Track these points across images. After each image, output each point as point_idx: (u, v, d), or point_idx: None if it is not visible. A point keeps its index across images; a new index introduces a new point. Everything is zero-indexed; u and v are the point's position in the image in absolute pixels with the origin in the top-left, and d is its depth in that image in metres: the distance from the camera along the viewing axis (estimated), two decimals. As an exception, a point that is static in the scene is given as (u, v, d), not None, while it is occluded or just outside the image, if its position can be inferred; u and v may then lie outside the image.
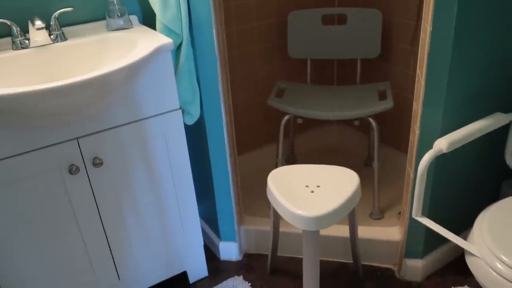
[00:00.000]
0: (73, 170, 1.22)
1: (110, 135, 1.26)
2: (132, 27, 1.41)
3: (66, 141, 1.20)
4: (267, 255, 1.69)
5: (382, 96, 1.83)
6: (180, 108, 1.37)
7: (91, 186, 1.28)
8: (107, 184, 1.30)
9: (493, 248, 1.12)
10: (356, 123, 1.80)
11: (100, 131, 1.24)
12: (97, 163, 1.25)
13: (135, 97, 1.26)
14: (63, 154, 1.20)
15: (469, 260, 1.19)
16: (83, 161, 1.24)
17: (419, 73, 1.31)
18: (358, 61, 2.01)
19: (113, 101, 1.20)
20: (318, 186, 1.34)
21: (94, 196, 1.30)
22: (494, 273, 1.10)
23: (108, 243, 1.38)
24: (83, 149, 1.23)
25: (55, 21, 1.29)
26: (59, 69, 1.29)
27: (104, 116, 1.23)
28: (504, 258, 1.09)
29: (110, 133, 1.26)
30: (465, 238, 1.24)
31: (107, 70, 1.08)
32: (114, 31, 1.37)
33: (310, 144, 2.36)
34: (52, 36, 1.29)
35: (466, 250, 1.20)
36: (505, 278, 1.07)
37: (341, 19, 2.02)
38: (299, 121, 1.86)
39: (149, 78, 1.27)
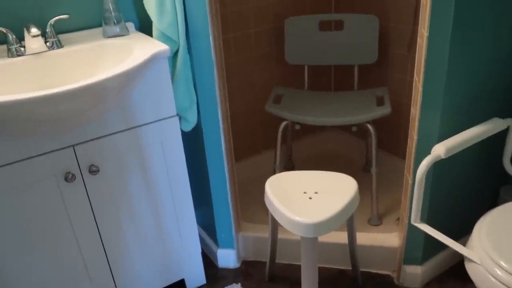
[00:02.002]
0: (69, 177, 1.21)
1: (106, 142, 1.25)
2: (128, 34, 1.41)
3: (62, 148, 1.19)
4: (265, 262, 1.68)
5: (380, 102, 1.83)
6: (177, 114, 1.36)
7: (87, 193, 1.27)
8: (104, 192, 1.30)
9: (493, 254, 1.11)
10: (354, 129, 1.80)
11: (96, 138, 1.24)
12: (93, 170, 1.24)
13: (131, 104, 1.25)
14: (59, 162, 1.20)
15: (468, 267, 1.18)
16: (79, 168, 1.24)
17: (416, 79, 1.31)
18: (355, 67, 2.01)
19: (109, 108, 1.19)
20: (316, 193, 1.33)
21: (90, 203, 1.29)
22: (494, 279, 1.09)
23: (104, 251, 1.36)
24: (79, 157, 1.22)
25: (51, 29, 1.28)
26: (55, 76, 1.28)
27: (100, 123, 1.23)
28: (503, 264, 1.08)
29: (107, 140, 1.25)
30: (464, 244, 1.23)
31: (103, 76, 1.08)
32: (111, 38, 1.37)
33: (308, 150, 2.36)
34: (48, 44, 1.29)
35: (465, 257, 1.19)
36: (504, 285, 1.07)
37: (338, 25, 2.02)
38: (297, 127, 1.86)
39: (146, 84, 1.26)
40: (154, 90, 1.28)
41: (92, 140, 1.23)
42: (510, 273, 1.06)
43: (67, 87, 1.03)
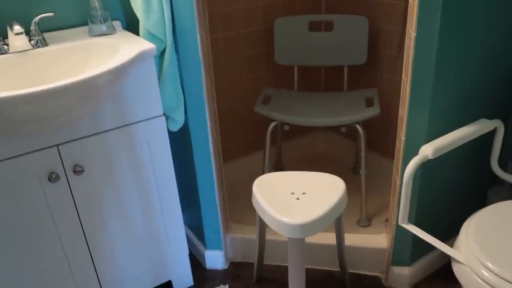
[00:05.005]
0: (53, 177, 1.19)
1: (91, 142, 1.23)
2: (115, 33, 1.39)
3: (46, 148, 1.17)
4: (253, 264, 1.67)
5: (369, 103, 1.82)
6: (164, 114, 1.35)
7: (72, 194, 1.25)
8: (89, 192, 1.28)
9: (479, 255, 1.11)
10: (343, 129, 1.79)
11: (81, 138, 1.22)
12: (78, 170, 1.22)
13: (117, 103, 1.24)
14: (43, 162, 1.18)
15: (455, 267, 1.18)
16: (64, 168, 1.22)
17: (405, 79, 1.31)
18: (345, 68, 2.00)
19: (94, 107, 1.18)
20: (303, 193, 1.32)
21: (75, 204, 1.27)
22: (480, 280, 1.08)
23: (90, 252, 1.34)
24: (63, 156, 1.21)
25: (35, 26, 1.26)
26: (39, 75, 1.26)
27: (85, 122, 1.21)
28: (490, 265, 1.07)
29: (91, 140, 1.23)
30: (452, 245, 1.23)
31: (88, 75, 1.06)
32: (97, 37, 1.35)
33: (297, 151, 2.35)
34: (32, 42, 1.27)
35: (452, 258, 1.19)
36: (491, 286, 1.06)
37: (328, 26, 2.02)
38: (286, 128, 1.85)
39: (132, 84, 1.25)
40: (140, 89, 1.26)
41: (76, 139, 1.21)
42: (496, 275, 1.06)
43: (52, 85, 1.01)
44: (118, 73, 1.13)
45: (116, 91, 1.22)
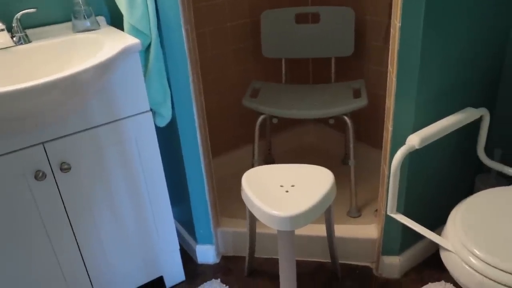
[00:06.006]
0: (39, 176, 1.18)
1: (77, 139, 1.22)
2: (99, 29, 1.38)
3: (31, 146, 1.16)
4: (244, 257, 1.67)
5: (357, 94, 1.83)
6: (151, 109, 1.34)
7: (59, 192, 1.24)
8: (76, 190, 1.27)
9: (466, 242, 1.12)
10: (331, 121, 1.80)
11: (67, 135, 1.21)
12: (64, 168, 1.21)
13: (102, 100, 1.23)
14: (28, 160, 1.17)
15: (443, 255, 1.19)
16: (50, 166, 1.21)
17: (391, 70, 1.31)
18: (332, 60, 2.00)
19: (79, 104, 1.17)
20: (292, 186, 1.33)
21: (63, 202, 1.26)
22: (467, 267, 1.10)
23: (79, 250, 1.34)
24: (50, 154, 1.19)
25: (17, 23, 1.25)
26: (22, 72, 1.25)
27: (71, 119, 1.20)
28: (477, 252, 1.09)
29: (77, 137, 1.22)
30: (441, 234, 1.24)
31: (72, 71, 1.05)
32: (81, 33, 1.34)
33: (287, 144, 2.35)
34: (14, 39, 1.25)
35: (440, 245, 1.20)
36: (478, 273, 1.07)
37: (315, 18, 2.01)
38: (274, 121, 1.85)
39: (117, 79, 1.24)
40: (126, 85, 1.25)
41: (62, 137, 1.20)
42: (484, 261, 1.07)
43: (35, 82, 1.00)
44: (103, 69, 1.12)
45: (101, 87, 1.20)
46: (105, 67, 1.12)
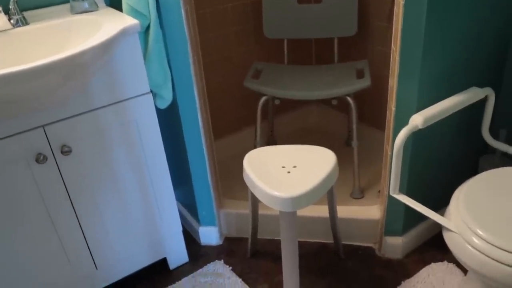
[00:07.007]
0: (40, 159, 1.18)
1: (77, 122, 1.22)
2: (98, 10, 1.36)
3: (31, 129, 1.16)
4: (247, 239, 1.68)
5: (360, 75, 1.81)
6: (152, 91, 1.33)
7: (61, 174, 1.24)
8: (78, 172, 1.27)
9: (469, 223, 1.11)
10: (334, 102, 1.78)
11: (67, 118, 1.20)
12: (65, 151, 1.21)
13: (102, 82, 1.22)
14: (29, 143, 1.16)
15: (446, 236, 1.19)
16: (51, 149, 1.20)
17: (394, 49, 1.29)
18: (335, 40, 1.98)
19: (78, 86, 1.16)
20: (294, 167, 1.32)
21: (65, 184, 1.26)
22: (470, 248, 1.09)
23: (82, 232, 1.34)
24: (50, 137, 1.19)
25: (14, 5, 1.23)
26: (20, 55, 1.24)
27: (71, 102, 1.19)
28: (480, 232, 1.08)
29: (77, 119, 1.22)
30: (443, 215, 1.23)
31: (70, 52, 1.04)
32: (79, 14, 1.32)
33: (290, 126, 2.34)
34: (12, 21, 1.24)
35: (443, 226, 1.19)
36: (481, 252, 1.07)
37: (317, -3, 1.98)
38: (277, 102, 1.83)
39: (117, 61, 1.22)
40: (126, 66, 1.24)
41: (62, 120, 1.20)
42: (486, 241, 1.07)
43: (34, 64, 0.99)
44: (101, 50, 1.11)
45: (101, 69, 1.19)
46: (103, 48, 1.11)
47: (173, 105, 1.46)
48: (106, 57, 1.16)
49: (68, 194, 1.28)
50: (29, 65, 0.99)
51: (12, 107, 1.08)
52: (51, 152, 1.21)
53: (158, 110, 1.53)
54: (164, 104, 1.43)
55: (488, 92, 1.36)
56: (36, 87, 1.04)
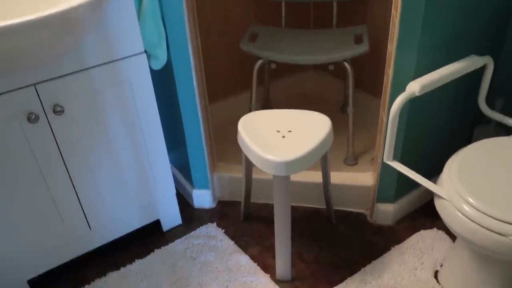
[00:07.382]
0: (32, 118, 1.16)
1: (69, 81, 1.19)
2: (90, -36, 1.31)
3: (22, 87, 1.14)
4: (240, 202, 1.69)
5: (358, 40, 1.77)
6: (146, 52, 1.30)
7: (53, 134, 1.23)
8: (70, 132, 1.25)
9: (461, 191, 1.12)
10: (331, 67, 1.76)
11: (60, 77, 1.18)
12: (57, 110, 1.19)
13: (94, 40, 1.19)
14: (20, 102, 1.14)
15: (437, 203, 1.20)
16: (43, 108, 1.18)
17: (394, 13, 1.26)
18: (334, 4, 1.93)
19: (69, 44, 1.12)
20: (289, 131, 1.31)
21: (57, 144, 1.25)
22: (461, 215, 1.10)
23: (75, 192, 1.34)
24: (42, 96, 1.17)
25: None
26: (9, 10, 1.19)
27: (63, 60, 1.16)
28: (470, 200, 1.09)
29: (70, 78, 1.19)
30: (436, 183, 1.24)
31: (60, 8, 1.00)
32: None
33: (286, 91, 2.32)
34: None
35: (435, 193, 1.20)
36: (471, 220, 1.08)
37: (317, -42, 1.92)
38: (273, 66, 1.81)
39: (110, 20, 1.19)
40: (119, 25, 1.21)
41: (54, 78, 1.17)
42: (477, 209, 1.08)
43: (25, 18, 0.95)
44: (92, 7, 1.07)
45: (92, 27, 1.16)
46: (94, 4, 1.07)
47: (168, 66, 1.44)
48: (98, 14, 1.12)
49: (61, 155, 1.27)
50: (22, 18, 0.95)
51: (1, 64, 1.05)
52: (43, 112, 1.19)
53: (153, 72, 1.51)
54: (158, 65, 1.40)
55: (487, 61, 1.35)
56: (26, 44, 1.01)
